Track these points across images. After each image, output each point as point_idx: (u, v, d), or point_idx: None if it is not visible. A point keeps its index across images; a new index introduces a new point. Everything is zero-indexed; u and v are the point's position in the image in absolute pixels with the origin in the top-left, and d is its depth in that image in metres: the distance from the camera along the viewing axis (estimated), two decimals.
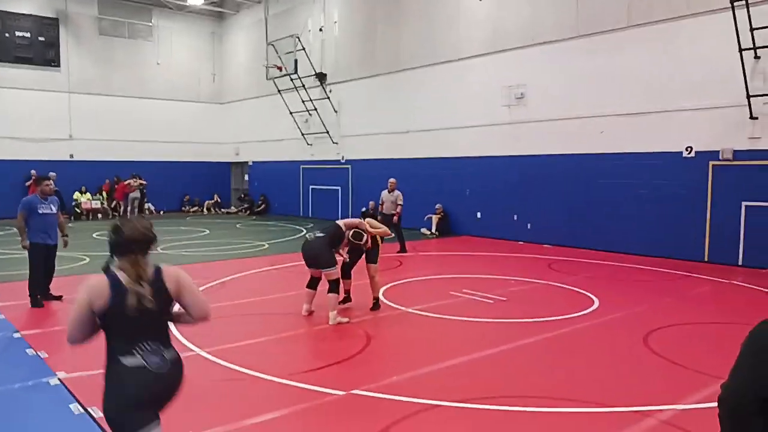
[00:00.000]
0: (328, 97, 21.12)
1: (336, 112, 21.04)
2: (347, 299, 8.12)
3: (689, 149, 12.32)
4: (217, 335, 6.76)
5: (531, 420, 4.55)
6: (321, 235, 7.53)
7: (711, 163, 12.03)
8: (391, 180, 13.66)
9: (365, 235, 7.66)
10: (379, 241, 7.98)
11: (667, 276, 10.75)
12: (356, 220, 7.96)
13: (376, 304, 7.91)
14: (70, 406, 4.71)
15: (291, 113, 22.14)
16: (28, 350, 6.17)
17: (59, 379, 5.29)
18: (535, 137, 15.12)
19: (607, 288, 9.54)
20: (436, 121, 17.62)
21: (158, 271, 2.92)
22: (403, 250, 13.54)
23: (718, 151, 11.89)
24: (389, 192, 13.60)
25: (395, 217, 13.37)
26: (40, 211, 8.11)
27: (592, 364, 5.89)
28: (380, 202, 13.73)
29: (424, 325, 7.33)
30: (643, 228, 13.13)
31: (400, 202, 13.50)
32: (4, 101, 21.71)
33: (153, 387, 2.83)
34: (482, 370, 5.73)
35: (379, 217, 12.87)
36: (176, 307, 2.99)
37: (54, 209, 8.33)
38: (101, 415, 4.45)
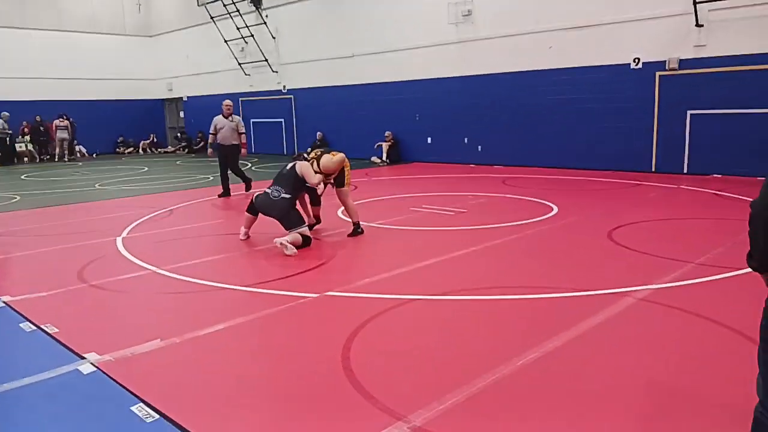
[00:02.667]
0: (265, 23, 20.04)
1: (274, 38, 20.05)
2: (317, 222, 7.62)
3: (636, 60, 12.37)
4: (173, 255, 6.41)
5: (510, 306, 4.49)
6: (286, 196, 6.53)
7: (657, 73, 12.12)
8: (227, 102, 11.05)
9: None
10: (346, 166, 7.05)
11: (618, 185, 10.95)
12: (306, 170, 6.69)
13: (356, 230, 7.04)
14: (21, 325, 4.32)
15: (226, 42, 20.95)
16: None
17: (4, 302, 4.85)
18: (484, 56, 14.86)
19: (563, 196, 9.62)
20: (381, 43, 17.04)
21: None
22: (248, 187, 11.10)
23: (665, 61, 11.99)
24: (225, 117, 10.88)
25: (243, 150, 11.12)
26: None
27: (562, 258, 5.90)
28: (212, 131, 10.95)
29: (389, 236, 7.16)
30: (593, 142, 13.26)
31: (243, 130, 11.05)
32: None
33: None
34: (453, 268, 5.63)
35: (210, 151, 11.36)
36: None
37: None
38: (56, 330, 4.14)
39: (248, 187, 11.09)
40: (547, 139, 14.03)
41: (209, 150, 11.44)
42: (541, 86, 13.93)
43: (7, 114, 20.15)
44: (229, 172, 11.11)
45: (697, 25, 11.33)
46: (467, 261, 5.88)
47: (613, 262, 5.68)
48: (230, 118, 10.87)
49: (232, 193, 11.02)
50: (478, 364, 3.42)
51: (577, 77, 13.31)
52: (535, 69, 13.97)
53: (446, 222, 7.87)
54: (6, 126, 20.09)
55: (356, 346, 3.72)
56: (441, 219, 8.11)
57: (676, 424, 2.74)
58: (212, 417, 2.91)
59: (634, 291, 4.64)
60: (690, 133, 11.90)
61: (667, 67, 11.97)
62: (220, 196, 10.91)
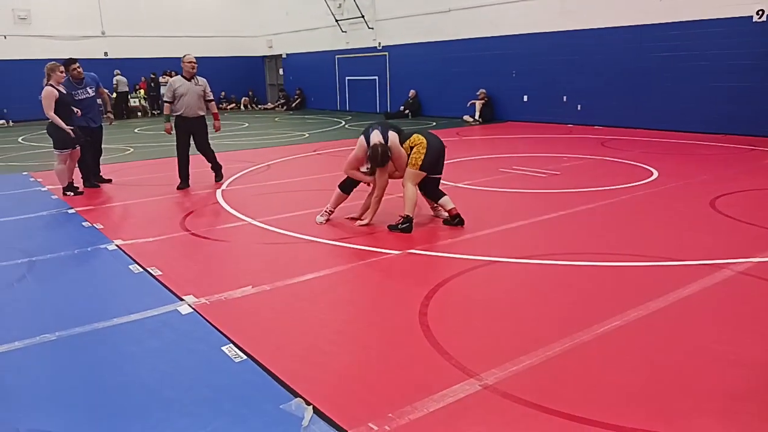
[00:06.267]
0: None
1: None
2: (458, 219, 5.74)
3: (760, 13, 11.25)
4: (268, 208, 6.72)
5: (596, 273, 4.37)
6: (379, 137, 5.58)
7: None
8: (188, 57, 8.05)
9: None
10: (417, 144, 5.59)
11: (729, 150, 10.17)
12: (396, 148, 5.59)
13: (402, 225, 5.52)
14: (130, 266, 4.74)
15: None
16: (84, 223, 6.24)
17: (117, 245, 5.33)
18: (587, 9, 14.04)
19: (666, 161, 9.09)
20: None
21: None
22: (219, 176, 8.51)
23: None
24: (187, 79, 7.98)
25: (216, 123, 8.63)
26: (77, 98, 7.91)
27: (659, 225, 5.62)
28: (168, 98, 8.02)
29: (476, 197, 7.11)
30: (704, 103, 12.32)
31: (211, 97, 8.29)
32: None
33: None
34: (540, 232, 5.53)
35: (167, 125, 8.18)
36: None
37: (91, 92, 8.14)
38: (160, 272, 4.50)
39: (219, 176, 8.49)
40: (653, 98, 13.18)
41: (166, 124, 8.22)
42: (649, 42, 13.02)
43: (117, 71, 21.72)
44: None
45: None
46: (555, 225, 5.75)
47: (714, 231, 5.35)
48: (194, 80, 8.04)
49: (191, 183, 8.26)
50: (557, 328, 3.39)
51: (689, 32, 12.32)
52: (643, 23, 13.05)
53: (537, 184, 7.69)
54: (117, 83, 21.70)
55: (434, 303, 3.79)
56: (532, 181, 7.92)
57: (766, 404, 2.61)
58: (295, 361, 3.09)
59: (734, 263, 4.37)
60: None
61: None
62: (178, 188, 8.03)
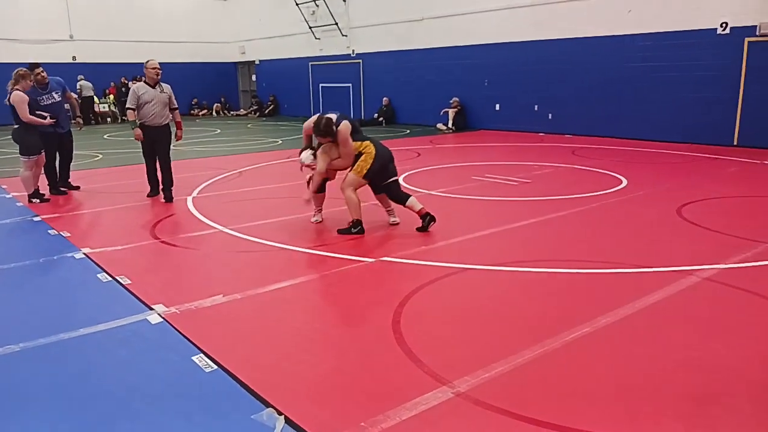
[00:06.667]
0: None
1: (344, 1, 19.98)
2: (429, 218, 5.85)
3: (724, 25, 11.58)
4: (240, 216, 6.66)
5: (567, 280, 4.43)
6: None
7: (747, 39, 11.33)
8: (152, 63, 7.63)
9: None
10: (366, 152, 5.71)
11: (695, 159, 10.43)
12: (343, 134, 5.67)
13: (355, 228, 5.72)
14: (98, 275, 4.65)
15: (297, 4, 21.07)
16: (50, 231, 6.10)
17: (84, 253, 5.22)
18: (557, 20, 14.29)
19: (634, 169, 9.28)
20: (451, 6, 16.67)
21: None
22: (169, 195, 7.64)
23: (756, 27, 11.17)
24: (153, 86, 7.60)
25: (179, 132, 8.29)
26: (43, 104, 7.71)
27: (627, 233, 5.73)
28: (131, 104, 7.54)
29: (448, 204, 7.14)
30: (670, 113, 12.63)
31: (176, 105, 7.96)
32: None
33: None
34: (512, 239, 5.59)
35: (137, 132, 7.61)
36: None
37: (57, 97, 7.93)
38: (129, 281, 4.43)
39: (169, 196, 7.64)
40: (622, 108, 13.46)
41: (136, 131, 7.63)
42: (618, 53, 13.30)
43: (81, 76, 21.30)
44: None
45: None
46: (527, 232, 5.81)
47: (680, 239, 5.48)
48: (158, 87, 7.65)
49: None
50: (528, 335, 3.42)
51: (656, 43, 12.62)
52: (612, 34, 13.33)
53: (509, 192, 7.77)
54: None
55: (407, 311, 3.80)
56: (503, 189, 8.01)
57: (729, 407, 2.67)
58: (266, 371, 3.06)
59: (699, 270, 4.48)
60: None
61: (758, 33, 11.15)
62: (148, 196, 7.84)
